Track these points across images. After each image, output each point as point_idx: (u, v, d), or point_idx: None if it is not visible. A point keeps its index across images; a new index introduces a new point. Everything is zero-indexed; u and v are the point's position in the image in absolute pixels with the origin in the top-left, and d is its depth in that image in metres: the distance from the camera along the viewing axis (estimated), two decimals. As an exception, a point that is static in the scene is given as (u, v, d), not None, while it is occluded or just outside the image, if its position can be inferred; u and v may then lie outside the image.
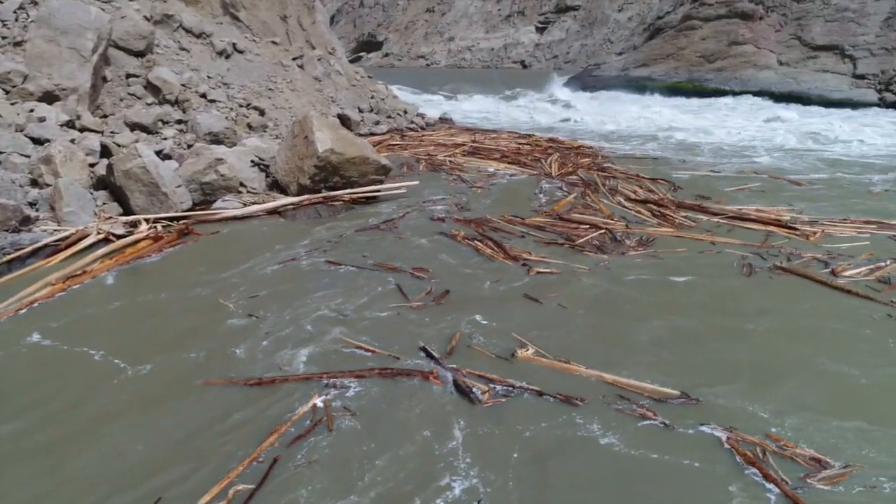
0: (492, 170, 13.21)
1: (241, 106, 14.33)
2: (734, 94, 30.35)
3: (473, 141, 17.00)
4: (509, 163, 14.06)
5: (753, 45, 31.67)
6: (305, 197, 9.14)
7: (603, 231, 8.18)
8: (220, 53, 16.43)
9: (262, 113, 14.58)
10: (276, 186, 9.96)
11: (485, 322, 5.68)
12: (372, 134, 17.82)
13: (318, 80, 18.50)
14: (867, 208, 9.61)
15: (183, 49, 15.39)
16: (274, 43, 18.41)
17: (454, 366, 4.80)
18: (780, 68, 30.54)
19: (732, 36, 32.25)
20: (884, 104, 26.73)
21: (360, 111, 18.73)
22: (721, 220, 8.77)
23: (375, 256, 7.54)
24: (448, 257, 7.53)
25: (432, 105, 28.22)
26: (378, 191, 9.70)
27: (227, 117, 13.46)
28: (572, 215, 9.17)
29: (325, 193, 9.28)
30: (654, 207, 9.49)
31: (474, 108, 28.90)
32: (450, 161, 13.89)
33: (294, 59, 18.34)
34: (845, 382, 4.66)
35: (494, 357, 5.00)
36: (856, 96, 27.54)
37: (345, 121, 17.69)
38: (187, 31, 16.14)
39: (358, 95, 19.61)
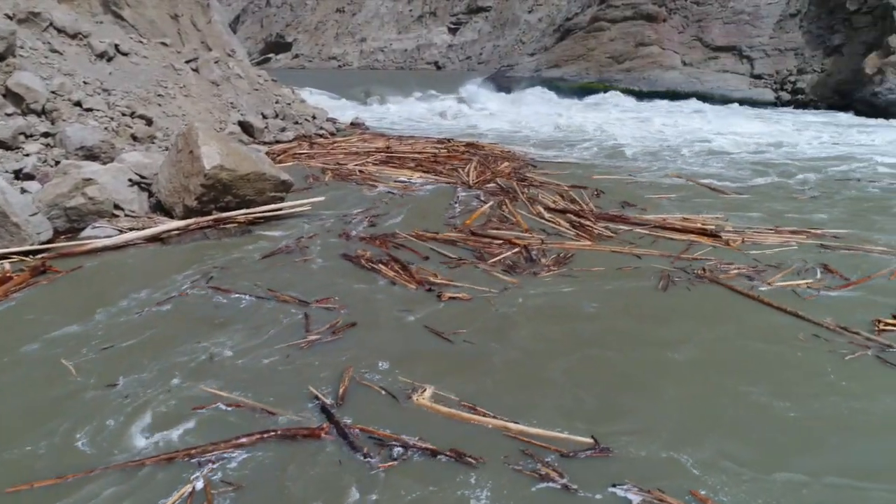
0: (406, 179, 12.44)
1: (124, 115, 12.83)
2: (643, 93, 31.05)
3: (387, 147, 16.17)
4: (425, 171, 13.33)
5: (659, 47, 32.56)
6: (193, 220, 8.02)
7: (518, 248, 7.58)
8: (100, 56, 14.77)
9: (149, 122, 13.14)
10: (161, 208, 8.76)
11: (384, 362, 4.96)
12: (277, 142, 16.63)
13: (216, 85, 17.09)
14: (794, 215, 9.45)
15: (54, 51, 13.67)
16: (164, 44, 16.85)
17: (347, 420, 4.07)
18: (685, 69, 31.54)
19: (639, 37, 33.03)
20: (780, 103, 28.05)
21: (264, 117, 17.47)
22: (643, 231, 8.38)
23: (270, 284, 6.63)
24: (350, 283, 6.72)
25: (344, 109, 27.12)
26: (278, 210, 8.70)
27: (106, 128, 11.97)
28: (487, 230, 8.56)
29: (216, 215, 8.20)
30: (574, 218, 9.01)
31: (389, 112, 28.06)
32: (360, 171, 13.00)
33: (187, 61, 16.85)
34: (778, 420, 4.21)
35: (391, 405, 4.31)
36: (755, 95, 28.77)
37: (247, 128, 16.43)
38: (59, 30, 14.38)
39: (261, 100, 18.32)
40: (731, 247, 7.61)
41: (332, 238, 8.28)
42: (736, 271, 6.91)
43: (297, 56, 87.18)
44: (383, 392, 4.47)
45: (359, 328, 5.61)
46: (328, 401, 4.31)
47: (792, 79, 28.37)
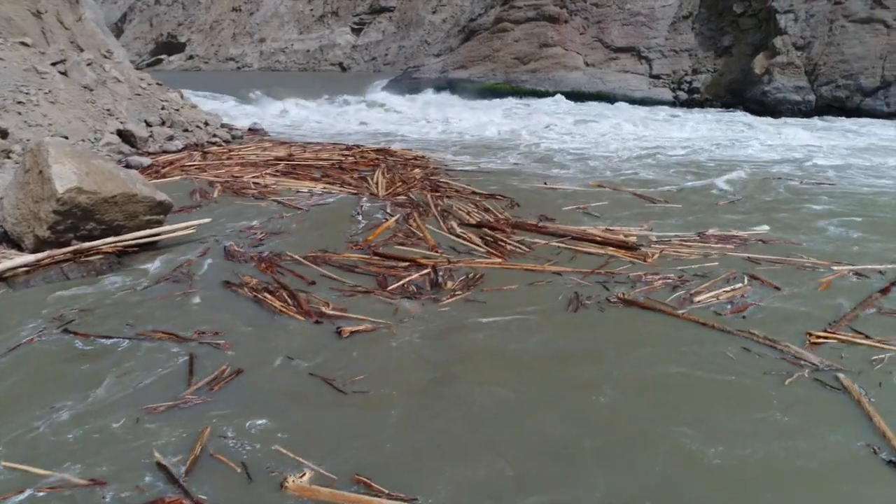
0: (308, 191, 11.43)
1: (-30, 126, 11.04)
2: (550, 94, 31.30)
3: (289, 156, 15.01)
4: (330, 181, 12.35)
5: (562, 47, 32.95)
6: (45, 254, 6.72)
7: (423, 270, 6.87)
8: (-59, 58, 12.73)
9: (3, 134, 11.40)
10: (7, 239, 7.35)
11: (260, 420, 4.16)
12: (164, 152, 15.07)
13: (90, 90, 15.29)
14: (718, 222, 9.13)
15: None
16: (24, 44, 14.86)
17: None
18: (588, 69, 32.07)
19: (542, 38, 33.29)
20: (678, 102, 29.02)
21: (149, 125, 15.83)
22: (561, 245, 7.85)
23: (144, 323, 5.67)
24: (234, 317, 5.81)
25: (242, 114, 25.47)
26: (155, 235, 7.52)
27: (-54, 142, 10.21)
28: (393, 246, 7.83)
29: (75, 246, 6.93)
30: (488, 232, 8.39)
31: (292, 116, 26.64)
32: (256, 183, 11.84)
33: (54, 63, 14.96)
34: (708, 472, 3.72)
35: (250, 491, 3.51)
36: (654, 95, 29.62)
37: (128, 137, 14.79)
38: None
39: (144, 106, 16.62)
40: (648, 262, 7.19)
41: (219, 264, 7.27)
42: (658, 286, 6.51)
43: (191, 57, 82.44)
44: (239, 471, 3.63)
45: (241, 377, 4.79)
46: (176, 470, 3.53)
47: (688, 79, 29.45)
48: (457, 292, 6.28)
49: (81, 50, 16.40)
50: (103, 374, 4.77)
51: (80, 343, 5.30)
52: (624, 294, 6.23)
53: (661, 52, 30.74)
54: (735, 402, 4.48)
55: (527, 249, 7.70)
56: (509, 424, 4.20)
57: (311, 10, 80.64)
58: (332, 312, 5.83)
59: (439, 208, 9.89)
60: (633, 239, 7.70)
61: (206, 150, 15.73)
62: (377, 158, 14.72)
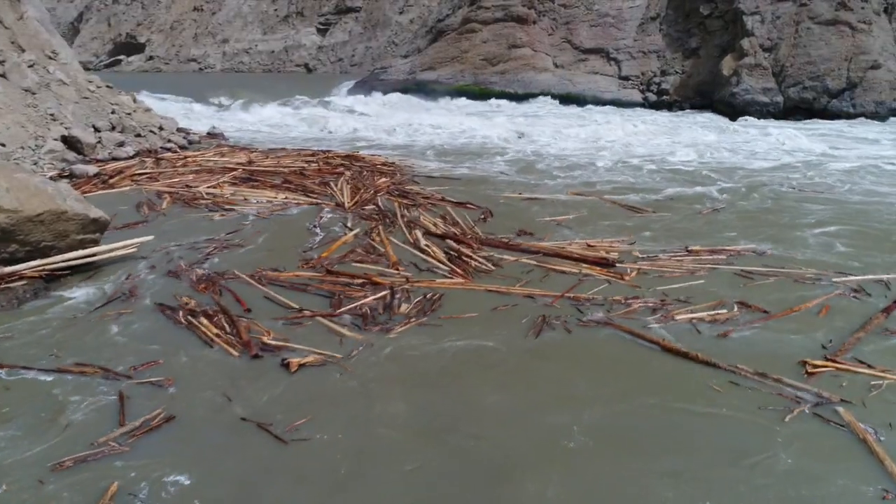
0: (265, 201, 10.71)
1: None
2: (519, 96, 30.92)
3: (249, 162, 14.21)
4: (291, 190, 11.65)
5: (530, 49, 32.63)
6: (-41, 281, 5.93)
7: (379, 292, 6.29)
8: None
9: (-71, 142, 10.42)
10: (-82, 264, 6.51)
11: (176, 486, 3.56)
12: (114, 159, 14.14)
13: (32, 93, 14.28)
14: (706, 232, 8.65)
15: None
16: (-43, 44, 13.79)
17: None
18: (557, 70, 31.80)
19: (511, 39, 32.92)
20: (647, 103, 28.92)
21: (97, 130, 14.87)
22: (533, 262, 7.28)
23: (66, 353, 5.09)
24: (164, 347, 5.21)
25: (201, 117, 24.46)
26: (88, 256, 6.76)
27: None
28: (350, 264, 7.23)
29: (-5, 272, 6.14)
30: (453, 246, 7.81)
31: (254, 119, 25.64)
32: (211, 194, 11.07)
33: (-9, 65, 13.91)
34: None
35: None
36: (624, 96, 29.48)
37: (73, 144, 13.85)
38: None
39: (93, 110, 15.63)
40: (625, 280, 6.68)
41: (160, 285, 6.62)
42: (636, 308, 6.01)
43: (151, 58, 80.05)
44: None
45: (170, 422, 4.21)
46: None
47: (657, 80, 29.37)
48: (411, 319, 5.71)
49: (23, 50, 15.34)
50: (15, 416, 4.18)
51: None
52: (595, 318, 5.72)
53: (629, 54, 30.63)
54: (726, 443, 4.01)
55: (493, 267, 7.14)
56: (466, 481, 3.64)
57: (276, 10, 79.14)
58: (273, 342, 5.25)
59: (405, 219, 9.29)
60: (614, 255, 7.21)
61: (159, 156, 14.84)
62: (343, 165, 14.03)
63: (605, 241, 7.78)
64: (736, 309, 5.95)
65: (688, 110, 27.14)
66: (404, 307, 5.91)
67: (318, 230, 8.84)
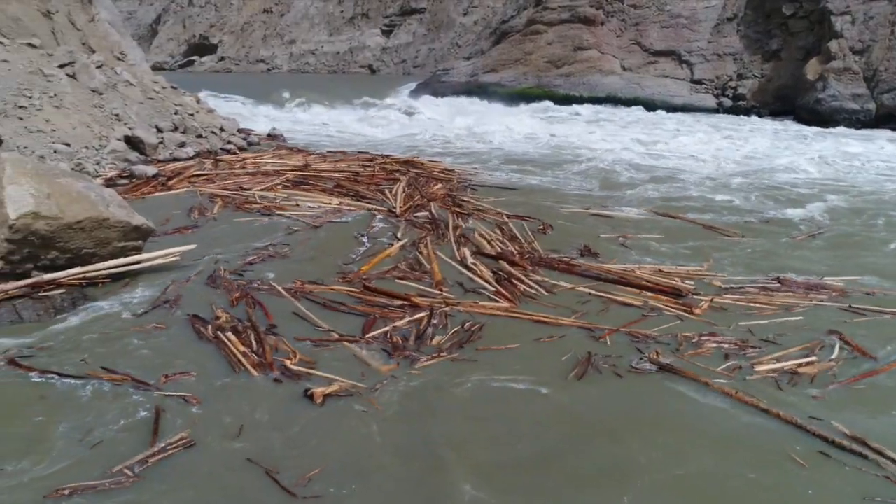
0: (317, 206, 10.39)
1: (-39, 133, 10.26)
2: (584, 99, 29.92)
3: (306, 165, 14.00)
4: (345, 195, 11.30)
5: (597, 51, 31.55)
6: (-2, 289, 5.75)
7: (417, 314, 5.77)
8: (-59, 59, 12.05)
9: (-4, 141, 10.60)
10: (-36, 268, 6.42)
11: None
12: (175, 159, 14.22)
13: (99, 93, 14.52)
14: (796, 260, 7.56)
15: None
16: (31, 46, 14.16)
17: None
18: (625, 74, 30.61)
19: (577, 41, 31.93)
20: (721, 109, 27.39)
21: (159, 131, 15.01)
22: (590, 289, 6.54)
23: (102, 361, 4.93)
24: (191, 364, 4.93)
25: (263, 118, 24.65)
26: (130, 265, 6.51)
27: (-71, 151, 9.41)
28: (391, 277, 6.80)
29: (34, 279, 5.95)
30: (505, 266, 7.19)
31: (315, 121, 25.70)
32: (263, 197, 10.84)
33: (62, 66, 14.22)
34: None
35: None
36: (696, 101, 28.05)
37: (136, 144, 13.97)
38: None
39: (157, 111, 15.82)
40: (696, 316, 5.87)
41: (199, 294, 6.35)
42: (708, 349, 5.21)
43: (222, 59, 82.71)
44: None
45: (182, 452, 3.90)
46: None
47: (732, 84, 27.80)
48: (442, 352, 5.14)
49: (93, 51, 15.68)
50: (48, 429, 4.08)
51: (34, 380, 4.66)
52: (654, 356, 4.99)
53: (703, 56, 29.13)
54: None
55: (545, 293, 6.47)
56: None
57: (342, 11, 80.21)
58: (296, 368, 4.84)
59: (458, 231, 8.74)
60: (689, 284, 6.40)
61: (218, 158, 14.83)
62: (399, 170, 13.60)
63: (681, 268, 6.94)
64: (836, 354, 5.09)
65: (766, 117, 25.48)
66: (437, 339, 5.36)
67: (365, 240, 8.42)
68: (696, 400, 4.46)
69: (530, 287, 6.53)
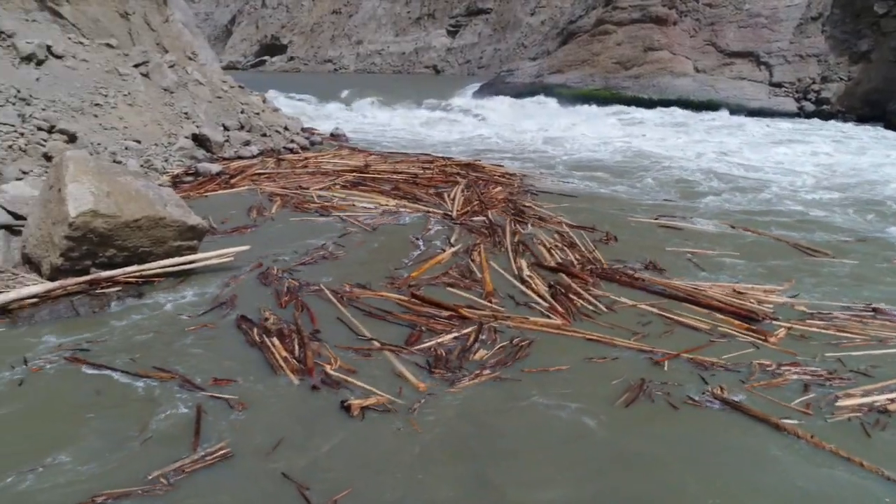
0: (375, 207, 10.28)
1: (40, 129, 10.69)
2: (653, 102, 28.87)
3: (366, 166, 13.96)
4: (402, 197, 11.16)
5: (669, 51, 30.40)
6: (57, 284, 5.85)
7: (465, 329, 5.51)
8: (26, 59, 12.66)
9: (71, 138, 11.00)
10: (29, 261, 6.59)
11: None
12: (239, 157, 14.49)
13: (170, 92, 14.96)
14: (893, 288, 6.71)
15: (-34, 53, 11.57)
16: (109, 46, 14.72)
17: None
18: (698, 75, 29.35)
19: (647, 41, 30.87)
20: (803, 114, 25.84)
21: (226, 129, 15.32)
22: (654, 307, 6.08)
23: (153, 359, 4.99)
24: (237, 365, 4.93)
25: (327, 117, 24.96)
26: (184, 264, 6.52)
27: (10, 146, 9.85)
28: (442, 287, 6.55)
29: (92, 275, 6.02)
30: (563, 278, 6.81)
31: (378, 121, 25.84)
32: (321, 197, 10.82)
33: (136, 65, 14.73)
34: None
35: None
36: (774, 105, 26.57)
37: (203, 142, 14.29)
38: (-24, 28, 12.28)
39: (224, 110, 16.18)
40: (772, 344, 5.33)
41: (250, 296, 6.31)
42: (784, 381, 4.69)
43: (292, 59, 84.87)
44: None
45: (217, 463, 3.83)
46: None
47: (815, 87, 26.17)
48: (485, 370, 4.84)
49: (166, 51, 16.18)
50: (101, 424, 4.18)
51: (85, 374, 4.77)
52: (719, 391, 4.50)
53: (783, 58, 27.57)
54: None
55: (604, 310, 6.06)
56: None
57: (408, 12, 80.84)
58: (336, 374, 4.72)
59: (517, 238, 8.41)
60: (767, 308, 5.85)
61: (280, 157, 15.02)
62: (459, 173, 13.36)
63: (758, 288, 6.36)
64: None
65: (851, 123, 23.83)
66: (481, 353, 5.07)
67: (420, 243, 8.23)
68: (762, 442, 4.00)
69: (588, 303, 6.14)
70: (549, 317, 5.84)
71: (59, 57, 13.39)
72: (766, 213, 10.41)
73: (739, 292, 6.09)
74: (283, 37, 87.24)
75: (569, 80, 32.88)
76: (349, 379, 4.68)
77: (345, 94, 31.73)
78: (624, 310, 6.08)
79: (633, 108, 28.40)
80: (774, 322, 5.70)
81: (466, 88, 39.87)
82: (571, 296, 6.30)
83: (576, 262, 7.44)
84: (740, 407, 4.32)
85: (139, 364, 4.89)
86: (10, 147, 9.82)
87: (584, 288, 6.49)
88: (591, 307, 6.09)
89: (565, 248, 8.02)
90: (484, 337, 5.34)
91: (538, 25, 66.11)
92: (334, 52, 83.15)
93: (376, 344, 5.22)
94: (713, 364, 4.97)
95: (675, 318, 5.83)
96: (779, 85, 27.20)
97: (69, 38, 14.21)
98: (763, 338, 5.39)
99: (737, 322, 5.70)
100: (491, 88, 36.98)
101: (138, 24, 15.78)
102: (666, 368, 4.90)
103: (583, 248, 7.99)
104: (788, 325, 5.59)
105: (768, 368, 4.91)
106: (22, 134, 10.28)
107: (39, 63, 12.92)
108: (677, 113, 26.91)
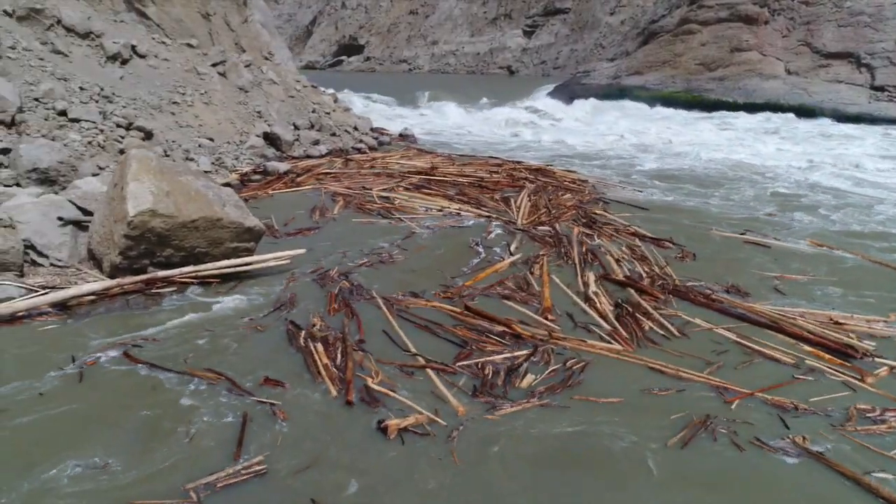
0: (438, 211, 10.01)
1: (119, 126, 11.06)
2: (738, 106, 27.28)
3: (433, 168, 13.76)
4: (466, 201, 10.85)
5: (758, 52, 28.66)
6: (115, 282, 5.88)
7: (518, 350, 5.11)
8: (112, 58, 13.18)
9: (148, 135, 11.32)
10: (93, 257, 6.70)
11: None
12: (308, 156, 14.60)
13: (245, 91, 15.27)
14: None
15: (57, 52, 12.13)
16: (189, 45, 15.17)
17: None
18: (789, 78, 27.51)
19: (735, 42, 29.23)
20: (908, 120, 23.74)
21: (296, 128, 15.50)
22: (732, 333, 5.47)
23: (199, 360, 4.96)
24: (282, 371, 4.80)
25: (398, 117, 24.97)
26: (240, 265, 6.45)
27: (90, 142, 10.21)
28: (497, 298, 6.20)
29: (149, 275, 6.02)
30: (632, 295, 6.28)
31: (449, 122, 25.64)
32: (384, 198, 10.66)
33: (214, 65, 15.10)
34: None
35: None
36: (875, 111, 24.52)
37: (274, 140, 14.49)
38: (68, 29, 12.88)
39: (295, 109, 16.37)
40: (866, 384, 4.65)
41: (304, 299, 6.19)
42: (882, 430, 4.06)
43: (368, 59, 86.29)
44: None
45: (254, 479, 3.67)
46: None
47: (924, 92, 24.00)
48: (532, 398, 4.41)
49: (243, 51, 16.54)
50: (149, 421, 4.15)
51: (136, 373, 4.75)
52: (801, 441, 3.90)
53: (889, 59, 25.43)
54: None
55: (676, 334, 5.50)
56: None
57: (485, 12, 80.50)
58: (377, 388, 4.47)
59: (585, 248, 7.92)
60: (868, 344, 5.14)
61: (348, 157, 15.03)
62: (527, 178, 12.92)
63: (859, 318, 5.63)
64: None
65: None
66: (528, 380, 4.65)
67: (480, 250, 7.91)
68: (846, 500, 3.45)
69: (657, 325, 5.61)
70: (609, 341, 5.36)
71: (142, 56, 13.88)
72: (877, 237, 9.19)
73: (837, 322, 5.39)
74: (361, 37, 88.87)
75: (648, 81, 31.62)
76: (390, 393, 4.44)
77: (418, 94, 31.73)
78: (696, 334, 5.52)
79: (723, 112, 26.86)
80: (877, 359, 5.01)
81: (541, 89, 39.15)
82: (639, 315, 5.79)
83: (645, 276, 6.89)
84: (828, 461, 3.74)
85: (190, 364, 4.86)
86: (89, 143, 10.17)
87: (654, 306, 5.97)
88: (659, 330, 5.56)
89: (635, 261, 7.47)
90: (536, 359, 4.95)
91: (617, 25, 64.29)
92: (409, 52, 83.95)
93: (420, 360, 4.93)
94: (796, 406, 4.37)
95: (756, 348, 5.22)
96: (881, 88, 25.09)
97: (153, 38, 14.73)
98: (860, 377, 4.73)
99: (828, 357, 5.04)
100: (566, 90, 36.12)
101: (218, 24, 16.21)
102: (734, 408, 4.35)
103: (654, 263, 7.41)
104: (894, 363, 4.89)
105: (868, 414, 4.27)
106: (101, 130, 10.64)
107: (124, 62, 13.42)
108: (774, 118, 25.11)
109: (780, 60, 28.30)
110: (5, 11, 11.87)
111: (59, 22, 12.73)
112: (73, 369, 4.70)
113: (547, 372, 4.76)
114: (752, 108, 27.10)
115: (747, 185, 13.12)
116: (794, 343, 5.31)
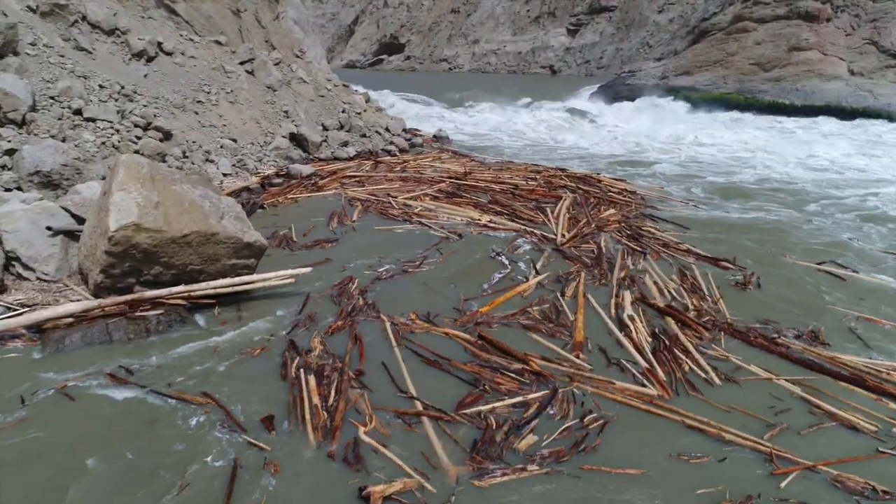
0: (466, 222, 9.21)
1: (136, 126, 10.58)
2: (795, 109, 25.64)
3: (465, 173, 12.95)
4: (498, 212, 10.00)
5: (819, 52, 26.91)
6: (96, 303, 5.26)
7: (532, 394, 4.30)
8: (137, 55, 12.79)
9: (167, 136, 10.82)
10: (80, 271, 6.12)
11: None
12: (335, 158, 13.98)
13: (273, 90, 14.73)
14: None
15: (80, 49, 11.77)
16: (218, 43, 14.71)
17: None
18: (852, 79, 25.73)
19: (793, 40, 27.51)
20: None
21: (325, 129, 14.90)
22: (798, 386, 4.52)
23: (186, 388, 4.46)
24: (271, 406, 4.26)
25: (433, 118, 24.22)
26: (237, 285, 5.77)
27: (103, 143, 9.74)
28: (519, 327, 5.41)
29: (134, 295, 5.39)
30: (673, 328, 5.38)
31: (487, 123, 24.76)
32: (408, 206, 9.91)
33: (242, 62, 14.61)
34: None
35: None
36: (949, 114, 22.66)
37: (301, 142, 13.92)
38: (94, 26, 12.53)
39: (325, 108, 15.78)
40: None
41: (314, 316, 5.64)
42: None
43: (408, 58, 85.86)
44: None
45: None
46: None
47: None
48: (531, 465, 3.59)
49: (273, 48, 16.02)
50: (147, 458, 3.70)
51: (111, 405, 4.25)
52: None
53: (964, 59, 23.48)
54: None
55: (724, 380, 4.57)
56: None
57: (528, 10, 79.14)
58: (366, 439, 3.82)
59: (626, 271, 6.99)
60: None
61: (378, 159, 14.35)
62: (567, 186, 11.96)
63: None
64: None
65: None
66: (528, 441, 3.82)
67: (504, 260, 7.14)
68: None
69: (701, 369, 4.70)
70: (643, 382, 4.49)
71: (168, 54, 13.47)
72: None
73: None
74: (402, 36, 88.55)
75: (697, 82, 30.12)
76: (380, 448, 3.74)
77: (457, 95, 30.94)
78: (751, 384, 4.59)
79: (780, 115, 25.19)
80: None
81: (583, 90, 37.90)
82: (678, 352, 4.89)
83: (691, 308, 5.95)
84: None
85: (176, 391, 4.38)
86: (102, 144, 9.70)
87: (696, 344, 5.05)
88: (707, 374, 4.65)
89: (683, 289, 6.51)
90: (553, 411, 4.12)
91: (666, 24, 62.21)
92: (450, 51, 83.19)
93: (418, 405, 4.17)
94: (874, 488, 3.45)
95: (827, 407, 4.27)
96: (956, 91, 23.18)
97: (181, 35, 14.32)
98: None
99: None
100: (610, 90, 34.82)
101: (249, 21, 15.73)
102: (783, 485, 3.45)
103: (706, 292, 6.43)
104: None
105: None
106: (117, 130, 10.17)
107: (149, 60, 13.02)
108: (867, 125, 22.70)
109: (842, 60, 26.50)
110: (29, 7, 11.55)
111: (83, 18, 12.38)
112: (21, 412, 4.07)
113: (559, 430, 3.93)
114: (810, 110, 25.43)
115: (832, 202, 11.52)
116: (878, 400, 4.34)
